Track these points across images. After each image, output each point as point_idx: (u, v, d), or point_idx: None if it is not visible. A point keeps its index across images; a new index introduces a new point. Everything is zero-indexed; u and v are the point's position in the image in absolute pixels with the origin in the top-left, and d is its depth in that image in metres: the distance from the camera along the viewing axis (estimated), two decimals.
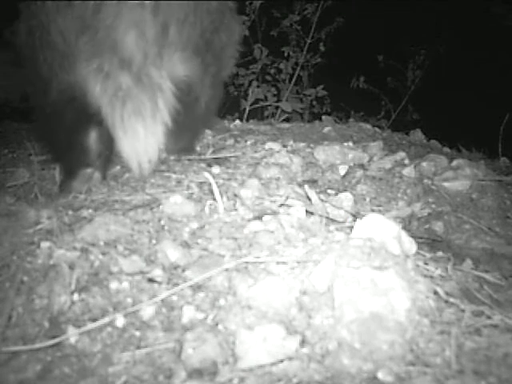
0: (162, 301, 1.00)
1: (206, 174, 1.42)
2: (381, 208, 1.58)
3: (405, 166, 1.80)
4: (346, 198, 1.50)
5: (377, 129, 2.68)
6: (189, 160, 1.79)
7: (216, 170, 1.67)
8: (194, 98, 1.65)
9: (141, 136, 1.46)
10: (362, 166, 1.80)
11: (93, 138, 1.58)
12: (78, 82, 1.44)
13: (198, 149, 1.94)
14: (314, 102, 4.14)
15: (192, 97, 1.62)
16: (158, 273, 1.07)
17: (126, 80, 1.42)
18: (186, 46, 1.53)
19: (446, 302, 0.97)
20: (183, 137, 1.74)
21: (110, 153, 1.65)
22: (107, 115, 1.44)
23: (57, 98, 1.48)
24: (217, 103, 1.86)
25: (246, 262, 1.09)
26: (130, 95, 1.43)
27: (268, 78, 3.96)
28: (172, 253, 1.14)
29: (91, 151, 1.59)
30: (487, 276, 1.15)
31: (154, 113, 1.46)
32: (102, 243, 1.16)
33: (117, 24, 1.39)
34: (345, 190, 1.60)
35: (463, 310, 0.95)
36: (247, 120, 3.00)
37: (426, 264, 1.09)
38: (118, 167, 1.72)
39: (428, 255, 1.17)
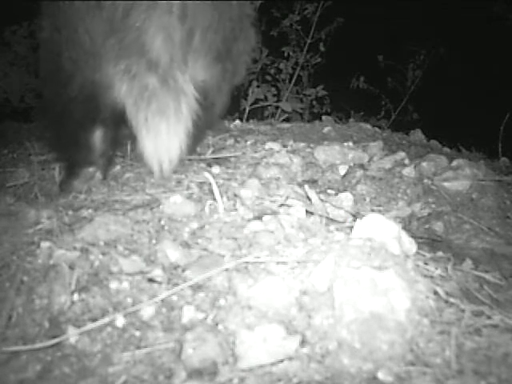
0: (162, 301, 1.00)
1: (206, 174, 1.42)
2: (381, 208, 1.58)
3: (405, 165, 1.80)
4: (346, 198, 1.50)
5: (377, 129, 2.68)
6: (189, 160, 1.79)
7: (216, 169, 1.67)
8: (211, 103, 1.67)
9: (163, 136, 1.48)
10: (361, 166, 1.80)
11: (99, 137, 1.60)
12: (102, 81, 1.47)
13: (198, 149, 1.94)
14: (314, 102, 4.14)
15: (208, 102, 1.64)
16: (157, 273, 1.07)
17: (152, 81, 1.44)
18: (209, 53, 1.55)
19: (446, 301, 0.97)
20: (193, 139, 1.75)
21: (112, 153, 1.68)
22: (131, 115, 1.47)
23: (76, 94, 1.50)
24: (224, 107, 1.88)
25: (246, 262, 1.09)
26: (155, 96, 1.45)
27: (268, 77, 3.95)
28: (172, 253, 1.13)
29: (96, 150, 1.60)
30: (487, 276, 1.15)
31: (178, 114, 1.48)
32: (102, 243, 1.16)
33: (145, 28, 1.41)
34: (345, 190, 1.60)
35: (463, 310, 0.95)
36: (247, 120, 3.00)
37: (425, 264, 1.09)
38: (118, 167, 1.72)
39: (428, 255, 1.17)
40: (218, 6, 1.55)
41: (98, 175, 1.61)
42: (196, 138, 1.72)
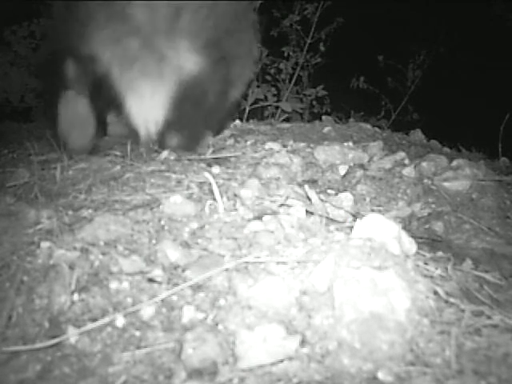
0: (162, 301, 1.00)
1: (206, 174, 1.42)
2: (381, 208, 1.58)
3: (405, 165, 1.80)
4: (346, 198, 1.50)
5: (377, 129, 2.68)
6: (189, 160, 1.79)
7: (216, 169, 1.67)
8: (200, 92, 1.70)
9: (147, 97, 1.57)
10: (362, 166, 1.80)
11: (86, 105, 1.69)
12: (90, 47, 1.59)
13: (197, 149, 1.94)
14: (314, 102, 4.14)
15: (198, 91, 1.68)
16: (157, 273, 1.07)
17: (134, 46, 1.56)
18: (196, 37, 1.63)
19: (446, 301, 0.97)
20: (184, 132, 1.76)
21: (100, 124, 1.78)
22: (116, 79, 1.57)
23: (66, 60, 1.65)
24: (224, 112, 1.95)
25: (246, 262, 1.09)
26: (137, 59, 1.56)
27: (268, 78, 3.95)
28: (172, 253, 1.13)
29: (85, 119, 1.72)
30: (487, 276, 1.15)
31: (160, 77, 1.57)
32: (102, 243, 1.16)
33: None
34: (345, 190, 1.60)
35: (463, 310, 0.95)
36: (247, 120, 3.00)
37: (426, 264, 1.09)
38: (118, 167, 1.72)
39: (428, 255, 1.17)
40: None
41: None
42: (185, 128, 1.78)
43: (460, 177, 1.70)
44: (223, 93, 1.80)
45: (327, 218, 1.36)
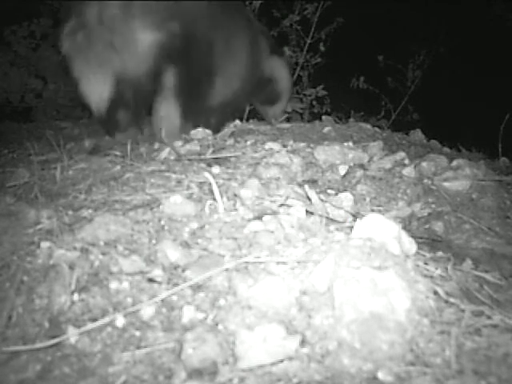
0: (162, 301, 1.00)
1: (206, 174, 1.42)
2: (381, 208, 1.58)
3: (405, 165, 1.80)
4: (346, 198, 1.50)
5: (377, 129, 2.68)
6: (189, 160, 1.79)
7: (216, 169, 1.67)
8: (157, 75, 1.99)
9: (93, 81, 1.87)
10: (362, 166, 1.80)
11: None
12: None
13: (198, 148, 1.94)
14: (314, 102, 4.14)
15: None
16: (158, 273, 1.07)
17: (80, 37, 1.86)
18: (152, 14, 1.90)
19: (446, 301, 0.97)
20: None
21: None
22: (71, 66, 1.89)
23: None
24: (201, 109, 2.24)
25: (246, 262, 1.09)
26: (83, 49, 1.86)
27: None
28: (172, 253, 1.13)
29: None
30: (487, 276, 1.15)
31: (104, 64, 1.86)
32: (102, 243, 1.16)
33: None
34: (345, 190, 1.60)
35: (463, 310, 0.95)
36: (247, 120, 3.00)
37: (426, 264, 1.09)
38: (118, 167, 1.72)
39: (428, 255, 1.17)
40: None
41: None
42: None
43: (460, 177, 1.69)
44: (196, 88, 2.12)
45: (327, 217, 1.36)
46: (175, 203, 1.32)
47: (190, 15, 2.06)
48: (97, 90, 1.89)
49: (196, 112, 2.26)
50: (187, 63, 2.05)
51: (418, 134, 2.68)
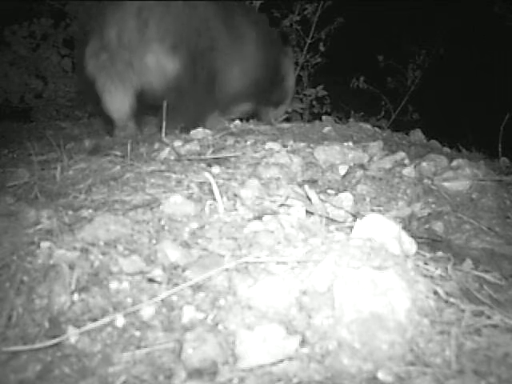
0: (162, 301, 1.00)
1: (206, 174, 1.42)
2: (381, 208, 1.58)
3: (405, 166, 1.80)
4: (346, 198, 1.50)
5: (377, 129, 2.68)
6: (189, 160, 1.79)
7: (216, 169, 1.67)
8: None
9: (114, 94, 2.14)
10: (362, 166, 1.80)
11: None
12: (82, 62, 2.22)
13: (198, 148, 1.94)
14: (314, 102, 4.14)
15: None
16: (158, 273, 1.07)
17: (104, 57, 2.14)
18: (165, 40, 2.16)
19: (446, 301, 0.97)
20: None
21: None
22: (96, 81, 2.15)
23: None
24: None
25: (246, 262, 1.09)
26: (107, 67, 2.13)
27: None
28: (172, 253, 1.13)
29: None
30: (487, 276, 1.15)
31: (124, 80, 2.15)
32: (102, 243, 1.16)
33: (104, 19, 2.16)
34: (345, 190, 1.60)
35: (463, 310, 0.95)
36: (247, 120, 3.00)
37: (426, 264, 1.09)
38: (118, 167, 1.72)
39: (428, 255, 1.17)
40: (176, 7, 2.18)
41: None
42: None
43: (460, 177, 1.69)
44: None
45: (327, 217, 1.36)
46: (175, 203, 1.32)
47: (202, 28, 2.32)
48: (117, 102, 2.17)
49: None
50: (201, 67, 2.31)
51: (417, 134, 2.68)
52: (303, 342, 0.88)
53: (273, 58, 2.74)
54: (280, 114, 3.02)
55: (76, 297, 1.01)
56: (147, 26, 2.13)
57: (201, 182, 1.52)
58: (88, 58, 2.16)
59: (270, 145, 1.94)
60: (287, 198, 1.42)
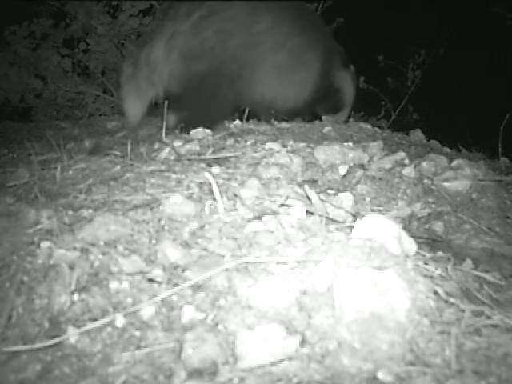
0: (162, 301, 1.00)
1: (206, 174, 1.42)
2: (381, 208, 1.58)
3: (405, 165, 1.80)
4: (346, 198, 1.50)
5: (377, 129, 2.68)
6: (189, 160, 1.79)
7: (216, 169, 1.67)
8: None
9: (131, 101, 2.46)
10: (362, 166, 1.80)
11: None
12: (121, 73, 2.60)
13: (198, 148, 1.94)
14: None
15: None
16: (158, 273, 1.07)
17: (128, 72, 2.47)
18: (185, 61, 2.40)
19: (446, 301, 0.97)
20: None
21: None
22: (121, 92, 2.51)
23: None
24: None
25: (246, 262, 1.09)
26: (129, 80, 2.47)
27: None
28: (172, 253, 1.13)
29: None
30: (487, 276, 1.15)
31: (141, 91, 2.44)
32: (102, 243, 1.16)
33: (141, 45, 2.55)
34: (345, 190, 1.60)
35: (463, 310, 0.95)
36: (247, 120, 3.00)
37: (426, 264, 1.09)
38: (118, 167, 1.72)
39: (428, 255, 1.17)
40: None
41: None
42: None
43: (460, 177, 1.69)
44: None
45: (327, 217, 1.36)
46: (175, 203, 1.32)
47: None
48: (132, 109, 2.48)
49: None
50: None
51: (418, 134, 2.68)
52: (303, 342, 0.88)
53: (325, 72, 2.85)
54: (340, 120, 3.12)
55: (76, 297, 1.01)
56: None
57: (201, 182, 1.52)
58: (125, 67, 2.51)
59: (269, 145, 1.94)
60: (287, 198, 1.42)
